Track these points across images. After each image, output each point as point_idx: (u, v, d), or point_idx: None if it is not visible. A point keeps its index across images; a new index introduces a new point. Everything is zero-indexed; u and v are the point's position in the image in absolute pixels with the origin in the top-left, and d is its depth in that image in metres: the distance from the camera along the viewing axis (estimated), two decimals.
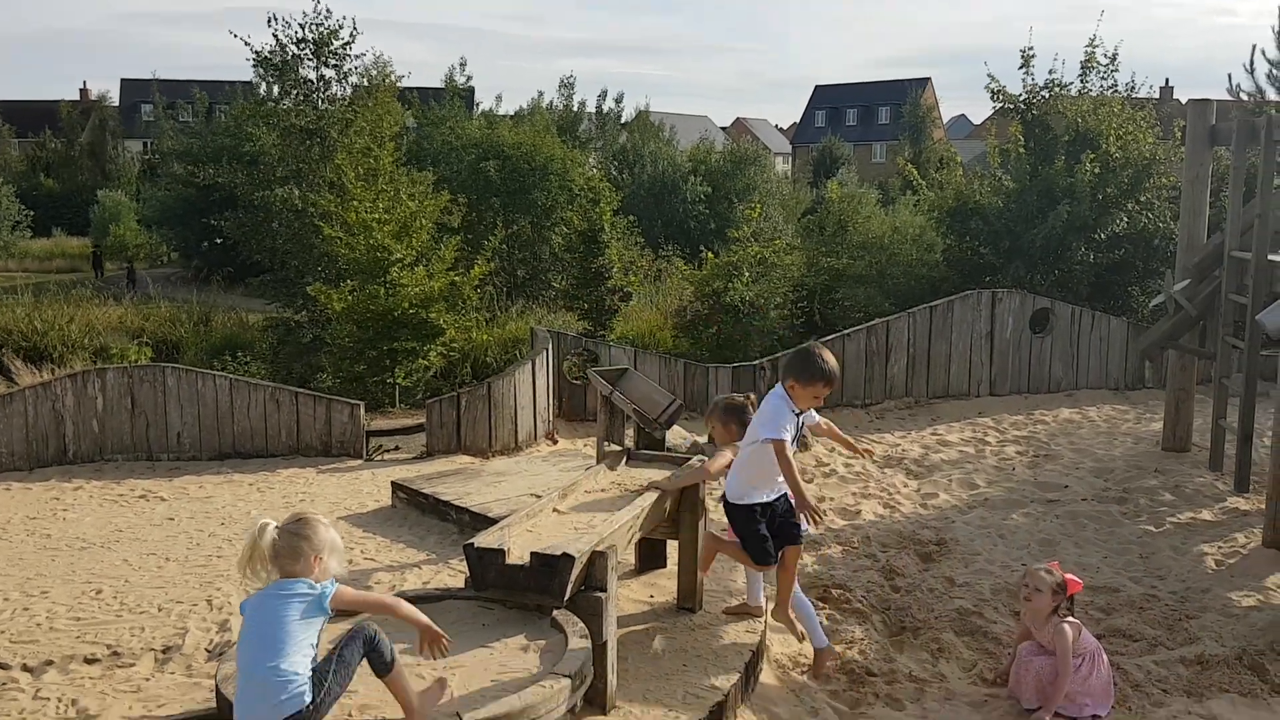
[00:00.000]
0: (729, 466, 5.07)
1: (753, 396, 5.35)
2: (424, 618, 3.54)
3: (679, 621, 5.28)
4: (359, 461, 9.68)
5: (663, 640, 5.13)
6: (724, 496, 5.03)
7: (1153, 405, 11.40)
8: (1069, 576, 5.19)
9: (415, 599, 4.30)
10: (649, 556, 5.98)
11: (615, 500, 5.18)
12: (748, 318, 14.36)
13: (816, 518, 4.61)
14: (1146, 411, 11.45)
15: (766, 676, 5.28)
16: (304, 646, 3.30)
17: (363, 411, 9.80)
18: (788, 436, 4.64)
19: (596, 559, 4.30)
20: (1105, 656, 5.16)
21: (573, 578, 4.15)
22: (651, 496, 5.07)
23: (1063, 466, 9.46)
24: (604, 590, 4.28)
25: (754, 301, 14.59)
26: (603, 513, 4.93)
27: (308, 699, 3.26)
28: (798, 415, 4.77)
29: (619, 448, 6.05)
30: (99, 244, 39.82)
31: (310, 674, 3.29)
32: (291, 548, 3.37)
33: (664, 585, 5.78)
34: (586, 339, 11.52)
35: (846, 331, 11.78)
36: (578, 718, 4.24)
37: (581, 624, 4.04)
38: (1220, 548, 7.29)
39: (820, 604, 6.33)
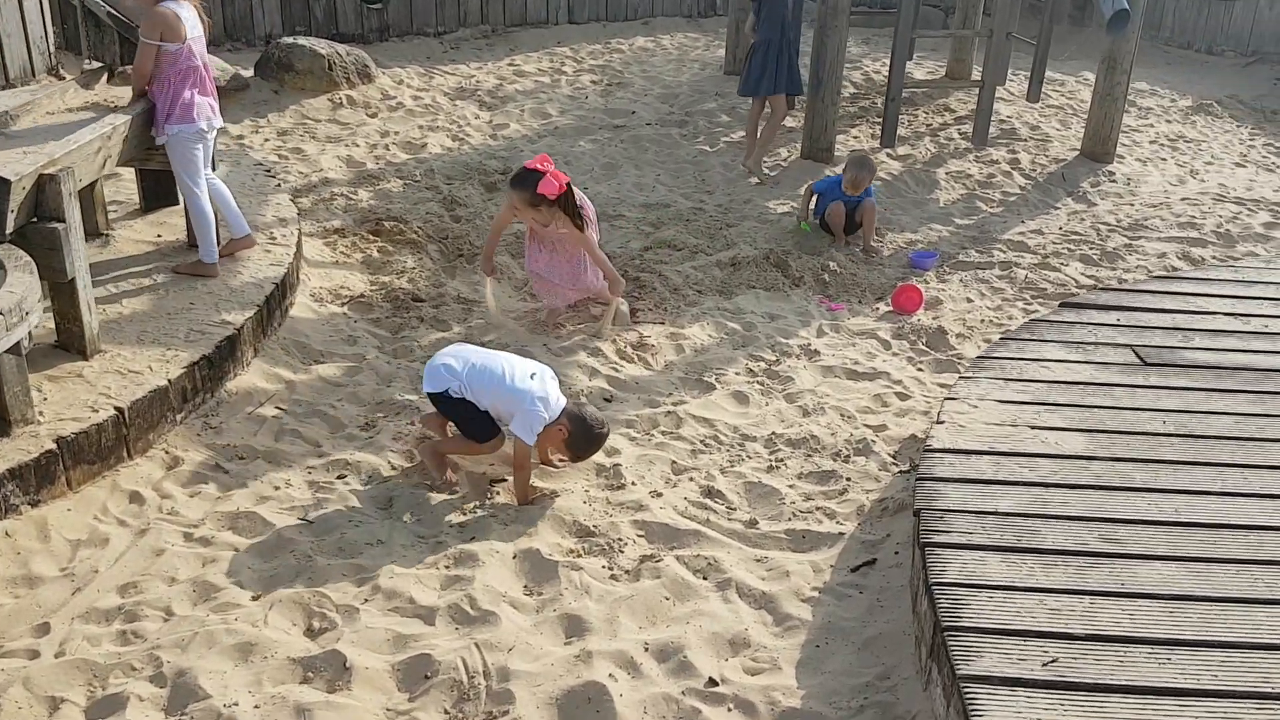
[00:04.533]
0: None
1: None
2: None
3: (190, 260, 4.63)
4: None
5: (169, 280, 4.50)
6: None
7: (721, 33, 11.59)
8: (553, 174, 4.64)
9: None
10: (156, 192, 5.16)
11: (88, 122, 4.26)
12: None
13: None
14: (716, 39, 11.65)
15: (302, 310, 4.88)
16: None
17: None
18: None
19: (46, 183, 3.51)
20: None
21: (13, 206, 3.35)
22: (130, 114, 4.22)
23: (633, 93, 9.45)
24: (61, 220, 3.53)
25: None
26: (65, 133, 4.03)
27: None
28: None
29: (99, 64, 4.99)
30: None
31: None
32: None
33: (174, 224, 5.05)
34: None
35: None
36: (52, 368, 3.63)
37: (25, 256, 3.32)
38: (766, 162, 7.67)
39: (372, 236, 5.93)
